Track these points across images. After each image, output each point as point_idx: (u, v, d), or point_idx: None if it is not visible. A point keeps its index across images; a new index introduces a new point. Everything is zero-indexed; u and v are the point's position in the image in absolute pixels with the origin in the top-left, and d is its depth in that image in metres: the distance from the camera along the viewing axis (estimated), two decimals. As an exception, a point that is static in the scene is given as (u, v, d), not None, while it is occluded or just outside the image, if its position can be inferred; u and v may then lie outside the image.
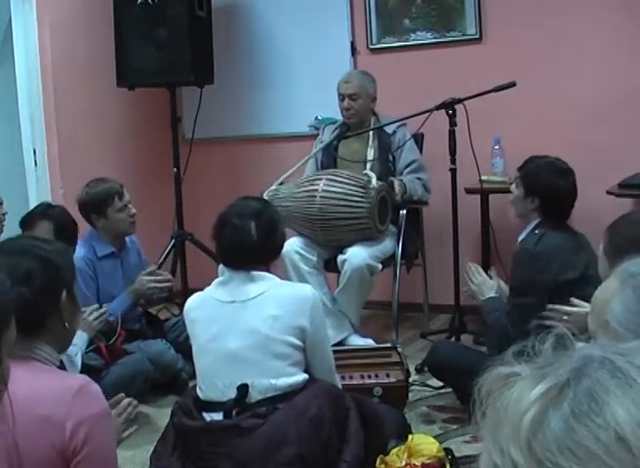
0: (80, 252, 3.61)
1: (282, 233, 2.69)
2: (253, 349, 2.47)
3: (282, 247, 2.72)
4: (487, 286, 3.16)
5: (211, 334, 2.54)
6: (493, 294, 3.13)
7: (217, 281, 2.62)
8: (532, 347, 0.72)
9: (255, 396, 2.45)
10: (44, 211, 3.51)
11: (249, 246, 2.52)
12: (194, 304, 2.64)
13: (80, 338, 3.66)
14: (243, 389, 2.44)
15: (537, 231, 3.04)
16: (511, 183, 3.23)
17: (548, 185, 3.04)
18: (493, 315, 3.07)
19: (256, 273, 2.54)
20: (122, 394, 2.10)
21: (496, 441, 0.64)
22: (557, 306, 2.65)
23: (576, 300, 2.59)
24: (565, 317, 2.55)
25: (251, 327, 2.48)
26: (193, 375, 3.67)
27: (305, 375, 2.53)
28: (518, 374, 0.68)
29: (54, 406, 1.58)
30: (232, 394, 2.46)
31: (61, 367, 1.80)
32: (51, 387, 1.62)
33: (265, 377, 2.46)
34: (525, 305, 2.91)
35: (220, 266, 2.64)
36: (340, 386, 2.71)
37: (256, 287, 2.52)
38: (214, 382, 2.51)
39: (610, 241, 2.15)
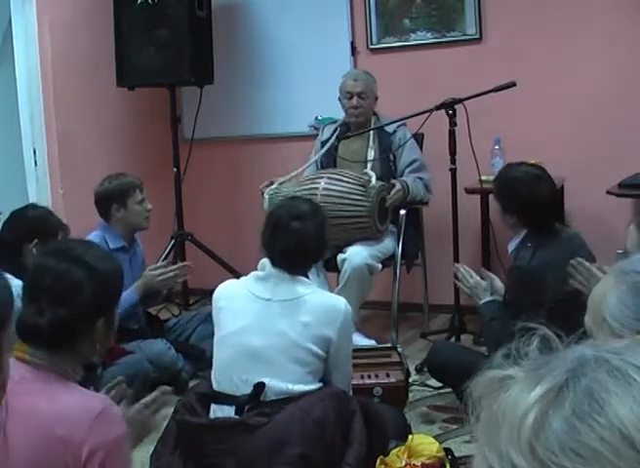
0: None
1: (327, 236, 2.70)
2: (276, 350, 2.48)
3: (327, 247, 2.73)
4: (480, 289, 3.10)
5: (237, 327, 2.53)
6: (488, 297, 3.10)
7: (254, 275, 2.61)
8: (517, 350, 0.72)
9: (269, 396, 2.46)
10: (59, 220, 3.46)
11: (307, 249, 2.54)
12: (226, 292, 2.63)
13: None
14: (259, 387, 2.45)
15: (529, 244, 2.99)
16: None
17: (520, 200, 2.98)
18: (493, 324, 3.02)
19: (296, 276, 2.55)
20: (120, 378, 2.08)
21: (492, 444, 0.64)
22: (586, 263, 2.56)
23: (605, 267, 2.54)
24: (586, 278, 2.51)
25: (280, 328, 2.49)
26: (193, 375, 3.71)
27: (321, 384, 2.54)
28: (511, 377, 0.67)
29: (72, 428, 1.55)
30: (246, 390, 2.46)
31: (82, 383, 1.76)
32: (72, 407, 1.59)
33: (283, 381, 2.46)
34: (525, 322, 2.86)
35: (262, 261, 2.62)
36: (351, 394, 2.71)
37: (294, 289, 2.53)
38: (230, 375, 2.51)
39: None
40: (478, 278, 3.12)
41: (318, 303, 2.52)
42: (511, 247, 3.11)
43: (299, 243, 2.52)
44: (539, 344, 0.71)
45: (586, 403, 0.62)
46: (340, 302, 2.59)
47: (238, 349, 2.51)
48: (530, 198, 2.96)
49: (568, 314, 2.56)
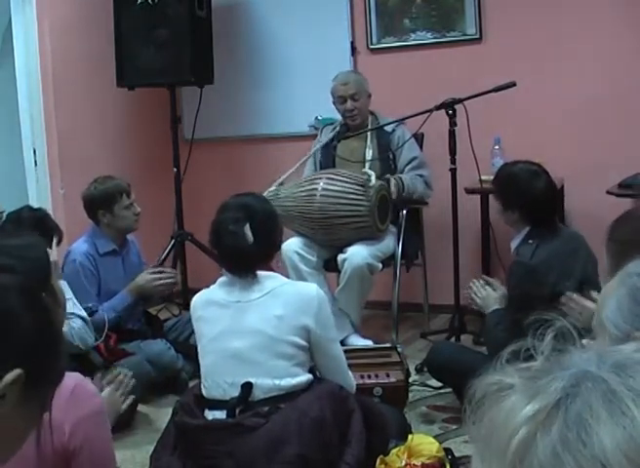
0: (82, 247, 3.68)
1: (279, 226, 2.66)
2: (257, 349, 2.47)
3: (281, 238, 2.70)
4: (491, 299, 3.15)
5: (215, 333, 2.54)
6: (497, 307, 3.13)
7: (221, 280, 2.61)
8: (531, 345, 0.69)
9: (258, 395, 2.46)
10: (55, 224, 3.44)
11: (249, 251, 2.50)
12: (200, 302, 2.63)
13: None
14: (247, 387, 2.45)
15: (530, 241, 3.01)
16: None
17: (521, 194, 3.03)
18: (497, 329, 3.04)
19: (260, 274, 2.53)
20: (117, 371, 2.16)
21: (484, 458, 0.63)
22: (575, 296, 2.58)
23: (595, 294, 2.54)
24: (579, 312, 2.51)
25: (255, 327, 2.48)
26: (193, 375, 3.70)
27: (310, 376, 2.53)
28: (510, 386, 0.65)
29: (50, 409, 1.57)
30: (235, 393, 2.46)
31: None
32: None
33: (269, 377, 2.46)
34: (525, 319, 2.87)
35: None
36: (354, 385, 2.70)
37: (260, 287, 2.52)
38: (217, 381, 2.51)
39: (612, 237, 2.14)
40: (490, 290, 3.16)
41: (289, 294, 2.51)
42: (514, 244, 3.13)
43: (233, 249, 2.50)
44: (553, 339, 0.69)
45: (574, 430, 0.59)
46: (312, 288, 2.58)
47: (220, 354, 2.51)
48: (529, 192, 3.02)
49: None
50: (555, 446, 0.59)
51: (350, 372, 2.72)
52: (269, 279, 2.55)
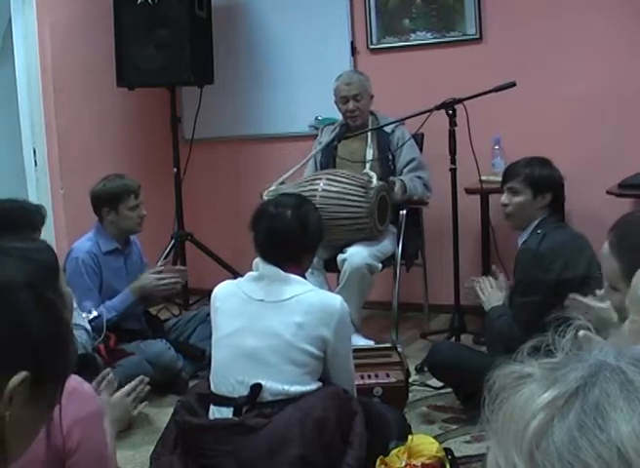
0: (85, 245, 3.70)
1: (319, 229, 2.64)
2: (271, 352, 2.46)
3: (318, 243, 2.69)
4: (495, 297, 3.19)
5: (232, 328, 2.53)
6: (498, 304, 3.16)
7: (250, 275, 2.59)
8: (552, 341, 0.70)
9: (266, 397, 2.45)
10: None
11: (285, 234, 2.50)
12: (222, 294, 2.62)
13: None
14: (256, 388, 2.44)
15: (539, 231, 3.07)
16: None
17: (552, 175, 3.14)
18: (500, 320, 3.08)
19: (289, 275, 2.52)
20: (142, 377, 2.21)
21: (501, 445, 0.64)
22: (580, 297, 2.59)
23: (598, 292, 2.55)
24: (586, 312, 2.53)
25: (274, 329, 2.47)
26: (193, 375, 3.71)
27: (319, 384, 2.52)
28: (529, 375, 0.66)
29: None
30: (243, 391, 2.46)
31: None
32: None
33: (279, 382, 2.45)
34: (531, 304, 2.92)
35: (256, 260, 2.60)
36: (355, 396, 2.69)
37: (287, 289, 2.50)
38: (226, 377, 2.51)
39: (621, 240, 2.11)
40: (495, 288, 3.20)
41: (312, 303, 2.49)
42: (521, 239, 3.15)
43: (271, 229, 2.51)
44: (573, 336, 0.70)
45: (591, 416, 0.60)
46: (336, 301, 2.55)
47: (234, 351, 2.51)
48: (557, 174, 3.17)
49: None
50: (572, 430, 0.60)
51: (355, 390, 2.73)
52: (297, 284, 2.53)
